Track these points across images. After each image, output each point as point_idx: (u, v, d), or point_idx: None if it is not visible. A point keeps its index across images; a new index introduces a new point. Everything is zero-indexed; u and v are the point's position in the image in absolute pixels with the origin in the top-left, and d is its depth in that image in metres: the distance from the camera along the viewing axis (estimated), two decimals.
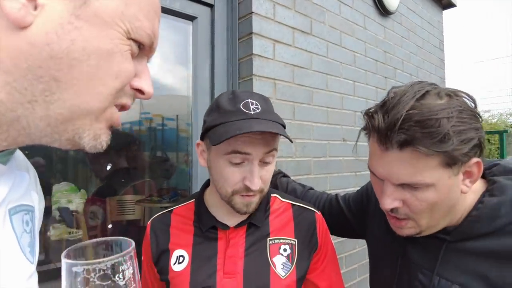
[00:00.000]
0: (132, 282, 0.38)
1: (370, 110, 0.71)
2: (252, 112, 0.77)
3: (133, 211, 2.59)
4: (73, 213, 1.74)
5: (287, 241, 0.87)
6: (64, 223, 1.73)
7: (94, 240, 0.41)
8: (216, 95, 1.53)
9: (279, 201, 0.94)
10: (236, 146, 0.75)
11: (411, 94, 0.65)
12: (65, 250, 0.38)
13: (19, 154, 0.51)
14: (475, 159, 0.66)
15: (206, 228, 0.85)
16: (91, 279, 0.35)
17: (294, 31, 1.72)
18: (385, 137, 0.65)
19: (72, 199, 1.76)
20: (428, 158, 0.63)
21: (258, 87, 1.53)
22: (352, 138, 2.10)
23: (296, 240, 0.87)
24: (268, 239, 0.86)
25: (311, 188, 1.24)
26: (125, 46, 0.41)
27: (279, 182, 1.27)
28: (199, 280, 0.80)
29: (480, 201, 0.71)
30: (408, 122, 0.62)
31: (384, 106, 0.67)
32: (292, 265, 0.84)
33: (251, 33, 1.52)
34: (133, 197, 2.51)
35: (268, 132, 0.74)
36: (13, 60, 0.35)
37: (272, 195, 0.95)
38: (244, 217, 0.86)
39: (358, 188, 1.12)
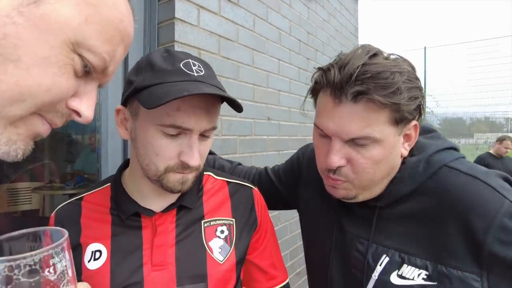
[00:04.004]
0: (66, 276, 0.34)
1: (324, 67, 0.70)
2: (195, 74, 0.65)
3: (30, 200, 2.26)
4: None
5: (224, 221, 0.78)
6: None
7: (18, 232, 0.36)
8: (130, 63, 1.33)
9: (213, 179, 0.84)
10: (176, 119, 0.62)
11: (364, 52, 0.65)
12: None
13: None
14: (414, 122, 0.68)
15: (127, 216, 0.71)
16: (14, 277, 0.31)
17: None
18: (340, 90, 0.64)
19: None
20: (379, 111, 0.63)
21: None
22: (276, 117, 2.09)
23: (234, 219, 0.79)
24: (202, 221, 0.76)
25: (239, 164, 1.19)
26: (66, 58, 0.37)
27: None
28: (122, 277, 0.67)
29: (402, 162, 0.73)
30: (363, 75, 0.62)
31: (339, 62, 0.67)
32: (231, 247, 0.76)
33: None
34: (29, 184, 2.17)
35: (215, 99, 0.66)
36: None
37: (205, 173, 0.84)
38: (173, 199, 0.74)
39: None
